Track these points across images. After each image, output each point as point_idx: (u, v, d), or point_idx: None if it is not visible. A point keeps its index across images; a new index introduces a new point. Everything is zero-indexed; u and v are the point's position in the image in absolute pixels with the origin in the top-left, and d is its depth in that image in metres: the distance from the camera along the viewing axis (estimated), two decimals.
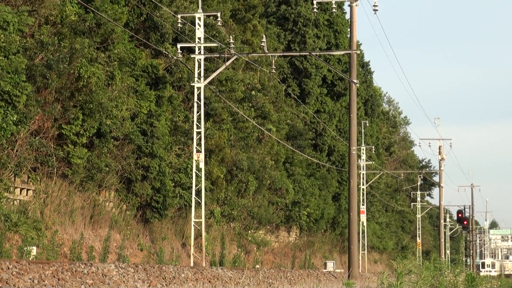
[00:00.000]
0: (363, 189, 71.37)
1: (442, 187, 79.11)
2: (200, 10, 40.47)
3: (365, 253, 71.30)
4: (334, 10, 42.77)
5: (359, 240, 62.86)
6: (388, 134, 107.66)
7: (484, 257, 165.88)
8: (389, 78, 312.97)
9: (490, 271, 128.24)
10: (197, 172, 39.89)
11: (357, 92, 53.89)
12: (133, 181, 39.42)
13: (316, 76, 72.89)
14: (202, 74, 40.43)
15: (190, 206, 40.71)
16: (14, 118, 30.03)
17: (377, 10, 38.78)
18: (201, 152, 39.77)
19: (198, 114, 40.21)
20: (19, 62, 30.25)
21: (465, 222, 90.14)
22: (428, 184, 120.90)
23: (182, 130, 44.43)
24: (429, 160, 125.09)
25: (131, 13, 42.23)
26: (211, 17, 46.03)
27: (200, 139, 40.01)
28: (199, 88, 40.34)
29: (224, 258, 46.74)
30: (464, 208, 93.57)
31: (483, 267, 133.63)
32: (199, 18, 40.24)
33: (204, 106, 41.83)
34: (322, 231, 70.38)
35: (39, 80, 32.72)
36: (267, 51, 41.73)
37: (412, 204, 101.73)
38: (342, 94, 76.25)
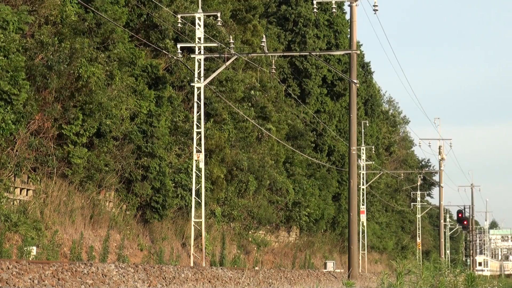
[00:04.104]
0: (363, 189, 71.35)
1: (442, 187, 79.14)
2: (200, 10, 40.47)
3: (365, 253, 71.28)
4: (334, 10, 42.81)
5: (359, 240, 62.86)
6: (388, 134, 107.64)
7: (484, 255, 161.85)
8: (389, 78, 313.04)
9: (482, 270, 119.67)
10: (197, 172, 39.88)
11: (357, 92, 53.90)
12: (133, 181, 39.41)
13: (316, 76, 72.89)
14: (202, 74, 40.43)
15: (190, 206, 40.70)
16: (12, 117, 30.00)
17: (377, 10, 38.79)
18: (201, 152, 39.76)
19: (198, 114, 40.20)
20: (18, 60, 30.24)
21: (465, 222, 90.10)
22: (428, 184, 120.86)
23: (182, 130, 44.42)
24: (428, 160, 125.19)
25: (131, 13, 42.24)
26: (211, 17, 46.03)
27: (200, 139, 40.00)
28: (199, 88, 40.33)
29: (225, 259, 46.74)
30: (464, 208, 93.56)
31: (474, 265, 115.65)
32: (199, 18, 40.23)
33: (204, 106, 41.83)
34: (322, 231, 70.37)
35: (39, 80, 32.72)
36: (267, 51, 41.73)
37: (412, 204, 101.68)
38: (342, 94, 76.26)
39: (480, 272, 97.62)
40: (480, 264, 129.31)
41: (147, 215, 40.47)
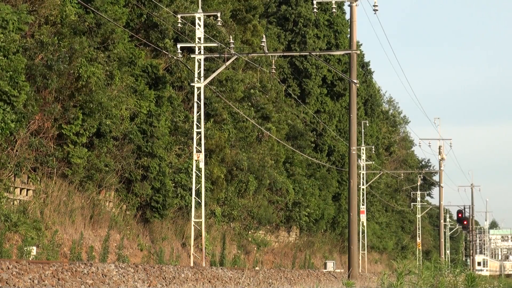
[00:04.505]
0: (363, 189, 71.34)
1: (442, 187, 79.14)
2: (200, 10, 40.46)
3: (365, 253, 71.27)
4: (334, 10, 42.81)
5: (359, 240, 62.84)
6: (388, 134, 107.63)
7: (484, 255, 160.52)
8: (389, 78, 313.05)
9: (481, 270, 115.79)
10: (197, 172, 39.88)
11: (357, 92, 53.90)
12: (133, 181, 39.41)
13: (316, 76, 72.88)
14: (202, 74, 40.42)
15: (190, 206, 40.69)
16: (13, 117, 30.00)
17: (377, 10, 38.79)
18: (201, 152, 39.76)
19: (198, 114, 40.20)
20: (18, 61, 30.23)
21: (465, 222, 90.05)
22: (428, 184, 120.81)
23: (182, 130, 44.42)
24: (429, 160, 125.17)
25: (131, 13, 42.22)
26: (211, 17, 46.02)
27: (200, 139, 40.00)
28: (199, 88, 40.33)
29: (225, 259, 46.74)
30: (464, 208, 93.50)
31: (472, 265, 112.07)
32: (199, 18, 40.22)
33: (204, 106, 41.82)
34: (322, 231, 70.36)
35: (39, 80, 32.71)
36: (267, 51, 41.72)
37: (412, 204, 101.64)
38: (342, 94, 76.26)
39: (479, 272, 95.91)
40: (478, 264, 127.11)
41: (147, 215, 40.47)
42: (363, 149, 71.05)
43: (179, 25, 40.43)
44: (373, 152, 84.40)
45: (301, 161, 65.56)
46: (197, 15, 40.23)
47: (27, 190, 32.99)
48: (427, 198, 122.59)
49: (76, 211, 35.00)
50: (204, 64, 41.43)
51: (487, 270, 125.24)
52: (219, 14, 40.72)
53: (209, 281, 29.64)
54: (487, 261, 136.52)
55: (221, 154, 47.58)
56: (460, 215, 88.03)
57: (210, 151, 46.14)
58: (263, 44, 40.05)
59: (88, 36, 36.56)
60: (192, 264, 39.23)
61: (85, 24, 36.29)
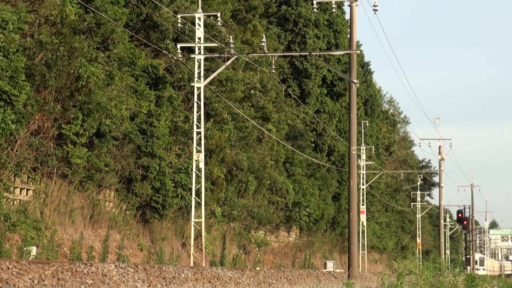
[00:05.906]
0: (363, 189, 71.33)
1: (442, 187, 79.11)
2: (200, 10, 40.45)
3: (365, 253, 71.26)
4: (334, 10, 42.83)
5: (359, 240, 62.84)
6: (388, 134, 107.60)
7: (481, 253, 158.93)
8: (389, 78, 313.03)
9: (477, 269, 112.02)
10: (197, 172, 39.87)
11: (357, 92, 53.90)
12: (133, 181, 39.40)
13: (316, 76, 72.89)
14: (202, 74, 40.41)
15: (190, 206, 40.68)
16: (12, 117, 29.99)
17: (377, 10, 38.80)
18: (201, 152, 39.75)
19: (198, 114, 40.19)
20: (18, 61, 30.22)
21: (465, 222, 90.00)
22: (428, 184, 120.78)
23: (182, 130, 44.41)
24: (429, 160, 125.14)
25: (131, 13, 42.21)
26: (211, 17, 46.02)
27: (200, 139, 40.00)
28: (199, 88, 40.32)
29: (225, 259, 46.73)
30: (464, 208, 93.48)
31: (468, 264, 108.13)
32: (199, 18, 40.22)
33: (204, 106, 41.81)
34: (322, 231, 70.36)
35: (38, 79, 32.69)
36: (267, 51, 41.71)
37: (412, 204, 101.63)
38: (342, 94, 76.27)
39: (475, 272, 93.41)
40: (476, 263, 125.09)
41: (147, 215, 40.46)
42: (363, 149, 71.05)
43: (179, 25, 40.42)
44: (373, 152, 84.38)
45: (301, 161, 65.55)
46: (197, 15, 40.23)
47: (27, 190, 32.98)
48: (427, 198, 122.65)
49: (76, 211, 35.00)
50: (204, 64, 41.42)
51: (484, 270, 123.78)
52: (219, 14, 40.71)
53: (209, 281, 29.63)
54: (483, 260, 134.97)
55: (221, 154, 47.55)
56: (460, 215, 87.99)
57: (210, 151, 46.12)
58: (263, 44, 40.04)
59: (88, 36, 36.55)
60: (192, 264, 39.22)
61: (85, 24, 36.27)
